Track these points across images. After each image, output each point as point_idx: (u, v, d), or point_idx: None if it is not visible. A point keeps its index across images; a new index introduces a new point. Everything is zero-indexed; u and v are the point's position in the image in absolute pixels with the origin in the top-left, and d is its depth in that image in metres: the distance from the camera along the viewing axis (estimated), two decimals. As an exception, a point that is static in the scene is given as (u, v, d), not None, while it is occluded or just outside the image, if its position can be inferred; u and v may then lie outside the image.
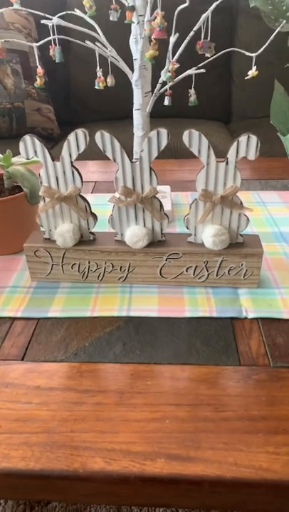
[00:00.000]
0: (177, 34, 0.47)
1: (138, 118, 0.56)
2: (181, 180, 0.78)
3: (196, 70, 0.53)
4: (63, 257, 0.46)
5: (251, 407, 0.32)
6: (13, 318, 0.43)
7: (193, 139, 0.39)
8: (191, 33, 0.48)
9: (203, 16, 0.46)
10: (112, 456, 0.29)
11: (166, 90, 0.54)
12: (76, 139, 0.40)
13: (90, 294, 0.46)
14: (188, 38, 0.48)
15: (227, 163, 0.40)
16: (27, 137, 0.41)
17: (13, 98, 1.10)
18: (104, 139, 0.40)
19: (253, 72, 0.53)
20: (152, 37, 0.42)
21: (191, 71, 0.53)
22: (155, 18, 0.41)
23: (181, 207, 0.66)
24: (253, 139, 0.38)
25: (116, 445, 0.29)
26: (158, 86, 0.54)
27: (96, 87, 0.53)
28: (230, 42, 1.33)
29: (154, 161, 0.60)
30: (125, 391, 0.34)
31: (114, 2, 0.49)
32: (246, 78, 0.54)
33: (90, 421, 0.31)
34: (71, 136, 0.40)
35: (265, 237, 0.56)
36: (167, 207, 0.61)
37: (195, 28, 0.47)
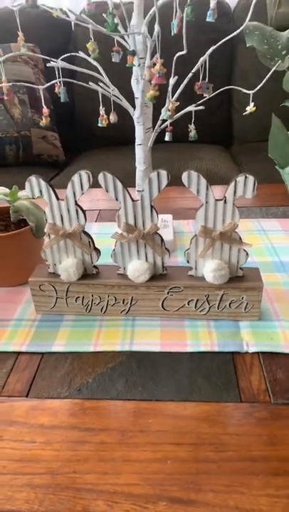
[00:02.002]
0: (176, 77, 0.49)
1: (140, 152, 0.58)
2: (183, 207, 0.79)
3: (196, 106, 0.55)
4: (67, 291, 0.47)
5: (252, 446, 0.32)
6: (19, 353, 0.44)
7: (192, 179, 0.40)
8: (190, 75, 0.50)
9: (201, 59, 0.48)
10: (114, 499, 0.29)
11: (166, 126, 0.56)
12: (80, 180, 0.42)
13: (93, 327, 0.47)
14: (186, 80, 0.50)
15: (225, 201, 0.41)
16: (33, 178, 0.43)
17: (20, 127, 1.14)
18: (106, 179, 0.41)
19: (250, 107, 0.55)
20: (152, 82, 0.44)
21: (191, 108, 0.55)
22: (155, 64, 0.43)
23: (182, 235, 0.68)
24: (250, 179, 0.39)
25: (118, 487, 0.30)
26: (159, 122, 0.55)
27: (99, 124, 0.55)
28: (230, 69, 1.36)
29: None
30: (127, 429, 0.34)
31: (116, 45, 0.52)
32: (244, 114, 0.56)
33: (92, 461, 0.32)
34: (75, 177, 0.42)
35: (265, 267, 0.57)
36: (169, 236, 0.62)
37: (193, 70, 0.49)
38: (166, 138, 0.56)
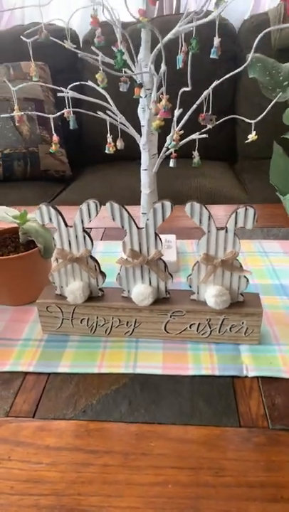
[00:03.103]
0: (181, 109, 0.51)
1: (145, 177, 0.60)
2: (186, 227, 0.81)
3: (200, 134, 0.57)
4: (73, 313, 0.49)
5: (250, 472, 0.34)
6: (26, 373, 0.45)
7: (195, 210, 0.42)
8: (194, 106, 0.52)
9: (205, 92, 0.50)
10: (117, 522, 0.30)
11: (171, 153, 0.58)
12: (88, 209, 0.44)
13: (97, 348, 0.48)
14: (190, 111, 0.52)
15: (226, 231, 0.43)
16: (43, 206, 0.45)
17: (28, 143, 1.17)
18: (113, 208, 0.43)
19: (252, 136, 0.57)
20: (158, 116, 0.46)
21: (195, 136, 0.57)
22: (161, 100, 0.45)
23: (186, 256, 0.69)
24: (250, 211, 0.41)
25: (121, 510, 0.31)
26: (164, 149, 0.58)
27: (106, 151, 0.57)
28: (234, 88, 1.39)
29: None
30: (130, 452, 0.36)
31: (120, 65, 0.54)
32: (246, 142, 0.58)
33: (96, 484, 0.33)
34: (84, 206, 0.44)
35: (266, 290, 0.58)
36: (172, 258, 0.64)
37: (197, 102, 0.51)
38: (171, 164, 0.58)
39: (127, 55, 0.54)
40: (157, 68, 0.52)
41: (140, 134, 0.59)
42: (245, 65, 0.51)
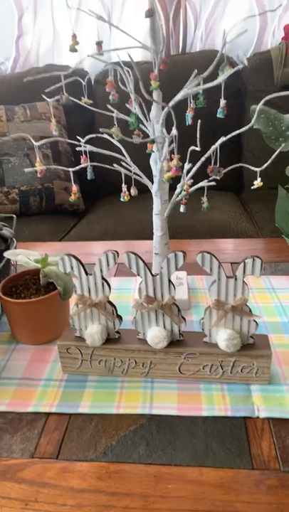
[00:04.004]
0: (190, 164, 0.55)
1: (157, 221, 0.64)
2: (196, 262, 0.84)
3: (208, 182, 0.61)
4: (92, 354, 0.52)
5: (263, 515, 0.35)
6: (48, 414, 0.48)
7: (206, 260, 0.46)
8: (203, 159, 0.56)
9: (213, 147, 0.54)
10: None
11: (181, 199, 0.61)
12: (107, 259, 0.48)
13: (115, 388, 0.51)
14: (199, 163, 0.56)
15: (236, 279, 0.46)
16: (66, 257, 0.48)
17: (43, 179, 1.22)
18: (130, 258, 0.47)
19: (258, 183, 0.61)
20: (169, 174, 0.50)
21: (203, 183, 0.61)
22: (172, 159, 0.49)
23: (197, 292, 0.72)
24: (258, 261, 0.44)
25: None
26: (174, 196, 0.62)
27: (122, 199, 0.62)
28: (239, 122, 1.45)
29: (171, 242, 0.66)
30: (149, 495, 0.38)
31: (136, 130, 0.59)
32: (253, 188, 0.62)
33: (118, 526, 0.35)
34: (103, 257, 0.48)
35: (274, 328, 0.61)
36: (184, 296, 0.67)
37: (206, 156, 0.56)
38: (182, 210, 0.62)
39: (140, 111, 0.58)
40: (168, 121, 0.56)
41: (152, 181, 0.63)
42: (251, 124, 0.55)
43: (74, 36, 0.56)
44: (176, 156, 0.48)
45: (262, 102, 0.50)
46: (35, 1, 1.66)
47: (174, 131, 0.49)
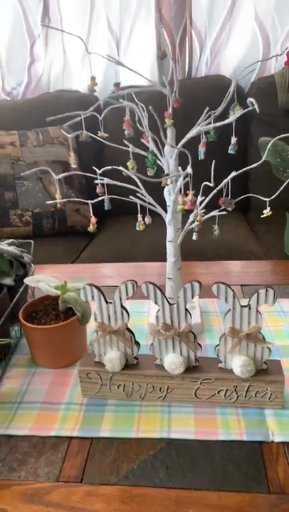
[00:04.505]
0: (204, 197, 0.58)
1: (170, 248, 0.67)
2: (208, 284, 0.86)
3: (219, 212, 0.64)
4: (111, 379, 0.54)
5: (281, 539, 0.37)
6: (71, 438, 0.50)
7: (221, 290, 0.48)
8: (215, 191, 0.59)
9: (224, 181, 0.57)
10: None
11: (194, 227, 0.64)
12: (126, 288, 0.50)
13: (133, 412, 0.53)
14: (211, 195, 0.59)
15: (250, 308, 0.48)
16: (87, 287, 0.51)
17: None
18: (148, 288, 0.50)
19: (267, 212, 0.63)
20: (185, 208, 0.53)
21: (214, 213, 0.64)
22: (187, 194, 0.52)
23: (209, 315, 0.74)
24: (270, 292, 0.47)
25: None
26: (187, 224, 0.64)
27: (137, 228, 0.65)
28: (244, 146, 1.49)
29: (182, 264, 0.69)
30: (171, 518, 0.40)
31: (152, 163, 0.62)
32: (262, 216, 0.65)
33: None
34: (122, 286, 0.50)
35: (286, 352, 0.63)
36: (197, 320, 0.69)
37: (218, 188, 0.59)
38: (194, 237, 0.65)
39: (154, 146, 0.62)
40: (182, 154, 0.59)
41: (165, 210, 0.66)
42: (262, 160, 0.58)
43: (93, 78, 0.60)
44: (191, 192, 0.51)
45: (270, 143, 0.53)
46: (47, 29, 1.73)
47: (189, 170, 0.52)
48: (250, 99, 0.50)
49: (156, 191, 0.68)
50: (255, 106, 0.49)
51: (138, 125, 0.61)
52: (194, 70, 1.70)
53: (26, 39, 1.75)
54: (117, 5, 1.66)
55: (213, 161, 0.55)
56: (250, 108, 0.53)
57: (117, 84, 0.59)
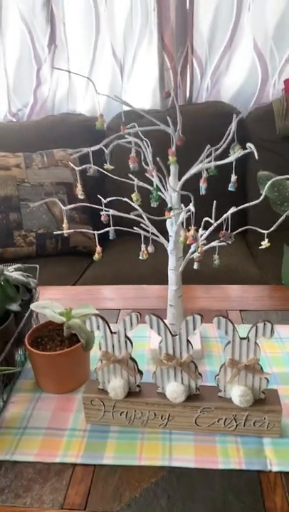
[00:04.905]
0: (204, 231, 0.61)
1: (172, 276, 0.69)
2: (208, 308, 0.89)
3: (219, 243, 0.66)
4: (114, 406, 0.56)
5: None
6: (75, 464, 0.51)
7: (222, 323, 0.50)
8: (215, 225, 0.62)
9: (224, 216, 0.60)
10: None
11: (194, 257, 0.67)
12: (130, 320, 0.53)
13: (135, 439, 0.55)
14: (211, 229, 0.62)
15: (248, 340, 0.51)
16: (93, 317, 0.53)
17: (59, 223, 1.29)
18: (152, 320, 0.52)
19: (265, 243, 0.66)
20: (187, 243, 0.56)
21: (215, 243, 0.67)
22: (189, 230, 0.55)
23: (209, 341, 0.76)
24: (268, 325, 0.49)
25: None
26: (188, 254, 0.67)
27: (140, 258, 0.67)
28: (243, 170, 1.53)
29: (183, 288, 0.71)
30: None
31: (156, 199, 0.65)
32: (260, 248, 0.67)
33: None
34: (127, 318, 0.53)
35: (283, 379, 0.64)
36: (197, 345, 0.71)
37: (218, 222, 0.62)
38: (195, 267, 0.68)
39: (158, 180, 0.65)
40: (184, 188, 0.62)
41: (167, 239, 0.69)
42: (261, 198, 0.61)
43: (101, 116, 0.63)
44: (193, 228, 0.54)
45: (268, 184, 0.56)
46: (53, 54, 1.79)
47: (192, 208, 0.55)
48: (250, 145, 0.53)
49: (158, 219, 0.70)
50: (255, 153, 0.52)
51: (143, 163, 0.64)
52: (195, 95, 1.76)
53: (33, 63, 1.81)
54: (121, 32, 1.73)
55: (215, 201, 0.57)
56: (249, 150, 0.56)
57: (124, 123, 0.63)
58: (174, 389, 0.53)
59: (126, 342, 0.54)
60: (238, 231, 0.66)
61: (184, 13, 1.67)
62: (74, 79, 1.81)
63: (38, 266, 0.82)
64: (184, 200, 0.63)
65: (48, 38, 1.77)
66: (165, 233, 0.68)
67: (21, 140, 1.56)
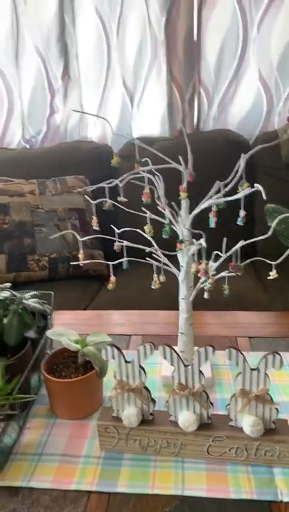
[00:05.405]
0: (215, 262, 0.64)
1: (183, 305, 0.72)
2: (218, 335, 0.90)
3: (228, 273, 0.69)
4: (128, 434, 0.58)
5: None
6: (90, 492, 0.53)
7: (233, 355, 0.52)
8: (225, 256, 0.65)
9: (234, 248, 0.63)
10: None
11: (205, 286, 0.69)
12: (144, 350, 0.55)
13: (149, 467, 0.56)
14: (221, 260, 0.65)
15: (258, 371, 0.53)
16: (108, 348, 0.56)
17: (71, 248, 1.33)
18: (165, 351, 0.54)
19: (273, 274, 0.69)
20: (198, 275, 0.58)
21: (224, 274, 0.69)
22: (200, 263, 0.58)
23: (219, 368, 0.78)
24: (278, 357, 0.51)
25: None
26: (199, 283, 0.70)
27: (152, 287, 0.70)
28: (249, 197, 1.56)
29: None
30: None
31: (169, 234, 0.68)
32: (269, 278, 0.70)
33: None
34: (141, 348, 0.55)
35: (293, 408, 0.66)
36: (208, 373, 0.73)
37: (228, 254, 0.64)
38: (205, 296, 0.70)
39: (170, 213, 0.68)
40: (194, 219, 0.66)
41: (179, 270, 0.71)
42: (269, 233, 0.64)
43: (116, 154, 0.67)
44: (205, 262, 0.57)
45: (276, 220, 0.59)
46: (66, 84, 1.87)
47: (203, 244, 0.58)
48: (258, 186, 0.57)
49: (169, 246, 0.73)
50: (263, 194, 0.55)
51: (156, 199, 0.67)
52: (202, 123, 1.82)
53: (47, 93, 1.89)
54: (131, 64, 1.81)
55: (225, 238, 0.60)
56: (256, 189, 0.59)
57: (138, 161, 0.66)
58: (186, 418, 0.55)
59: (140, 371, 0.56)
60: (246, 262, 0.69)
61: (191, 46, 1.75)
62: (86, 108, 1.89)
63: (52, 293, 0.85)
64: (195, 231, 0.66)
65: (62, 69, 1.85)
66: (174, 262, 0.70)
67: (35, 166, 1.62)
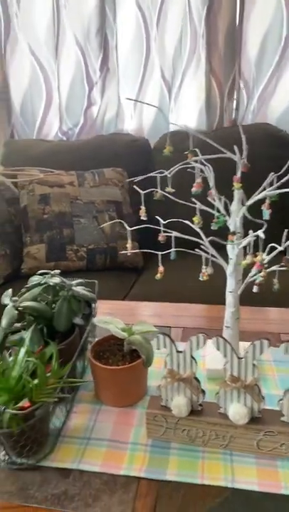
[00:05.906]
0: (268, 255, 0.63)
1: (230, 299, 0.71)
2: (261, 331, 0.88)
3: (280, 267, 0.67)
4: (176, 423, 0.58)
5: None
6: (139, 478, 0.53)
7: (220, 344, 0.52)
8: (277, 251, 0.63)
9: (287, 243, 0.62)
10: None
11: (255, 280, 0.68)
12: (197, 340, 0.55)
13: (197, 458, 0.56)
14: (275, 252, 0.63)
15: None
16: (160, 335, 0.56)
17: (109, 239, 1.34)
18: (219, 342, 0.54)
19: None
20: (254, 268, 0.57)
21: (275, 267, 0.68)
22: (256, 255, 0.57)
23: (263, 364, 0.75)
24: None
25: None
26: (248, 277, 0.68)
27: (200, 279, 0.70)
28: None
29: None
30: None
31: (222, 224, 0.67)
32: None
33: None
34: (194, 338, 0.55)
35: None
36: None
37: (281, 249, 0.63)
38: (254, 290, 0.69)
39: (220, 204, 0.67)
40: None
41: (227, 263, 0.70)
42: None
43: (169, 144, 0.66)
44: (261, 253, 0.56)
45: None
46: (105, 76, 1.88)
47: (262, 235, 0.57)
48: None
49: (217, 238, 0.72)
50: None
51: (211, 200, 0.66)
52: (240, 117, 1.79)
53: (85, 85, 1.90)
54: (170, 56, 1.79)
55: (286, 230, 0.59)
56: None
57: (191, 152, 0.66)
58: (237, 410, 0.55)
59: (191, 362, 0.56)
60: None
61: (232, 38, 1.72)
62: (123, 101, 1.89)
63: (96, 281, 0.86)
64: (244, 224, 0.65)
65: (100, 61, 1.86)
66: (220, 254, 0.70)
67: (72, 158, 1.63)
